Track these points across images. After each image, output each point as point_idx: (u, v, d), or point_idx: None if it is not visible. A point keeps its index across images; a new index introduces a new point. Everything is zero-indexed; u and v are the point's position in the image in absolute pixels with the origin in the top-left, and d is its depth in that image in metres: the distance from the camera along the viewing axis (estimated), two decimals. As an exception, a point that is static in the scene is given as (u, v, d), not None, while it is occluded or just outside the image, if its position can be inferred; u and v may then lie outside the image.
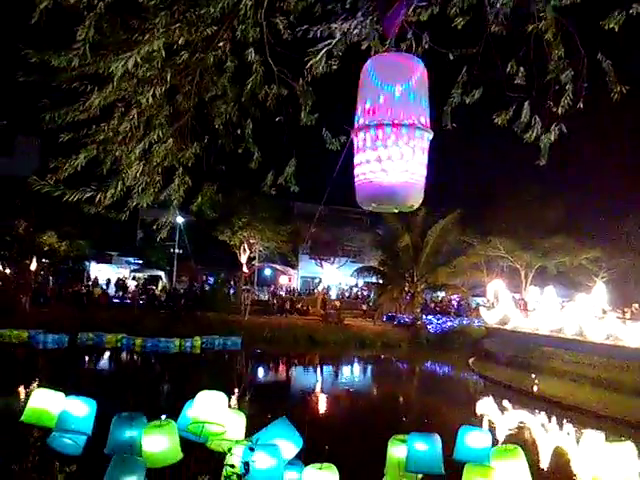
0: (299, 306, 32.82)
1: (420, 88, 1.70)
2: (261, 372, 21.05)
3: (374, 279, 31.55)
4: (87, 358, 20.68)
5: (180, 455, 3.75)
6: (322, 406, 14.82)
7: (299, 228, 34.99)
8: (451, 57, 2.95)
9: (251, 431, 3.82)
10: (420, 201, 1.76)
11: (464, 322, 28.69)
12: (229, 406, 4.02)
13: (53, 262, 31.45)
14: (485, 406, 15.37)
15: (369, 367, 23.29)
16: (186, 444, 3.78)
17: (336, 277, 38.63)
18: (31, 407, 4.17)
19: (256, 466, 2.87)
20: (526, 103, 3.37)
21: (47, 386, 4.44)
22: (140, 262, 41.13)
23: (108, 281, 35.33)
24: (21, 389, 13.46)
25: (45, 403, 4.19)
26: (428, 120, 1.73)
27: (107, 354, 21.24)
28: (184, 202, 4.42)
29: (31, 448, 3.24)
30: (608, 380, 15.97)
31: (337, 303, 31.84)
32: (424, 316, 29.50)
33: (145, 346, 21.69)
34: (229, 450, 3.02)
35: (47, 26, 2.85)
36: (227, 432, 3.70)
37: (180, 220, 36.14)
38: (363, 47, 2.65)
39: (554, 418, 13.26)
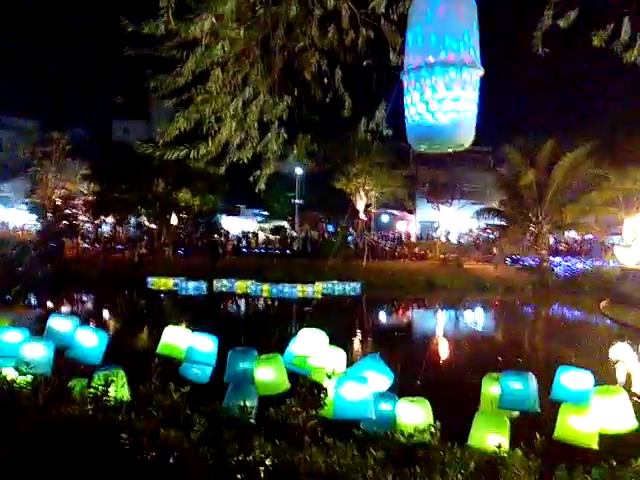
0: (416, 250, 32.68)
1: (467, 25, 1.66)
2: (375, 315, 21.59)
3: (496, 221, 30.17)
4: (221, 302, 22.74)
5: (287, 385, 4.16)
6: (439, 348, 14.94)
7: (415, 172, 34.36)
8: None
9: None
10: (471, 139, 1.76)
11: (596, 263, 26.58)
12: (332, 344, 4.34)
13: (189, 216, 34.27)
14: (618, 351, 14.42)
15: (488, 311, 22.77)
16: (293, 376, 4.14)
17: (455, 220, 37.61)
18: (164, 342, 4.85)
19: (345, 396, 3.14)
20: (626, 19, 3.04)
21: (180, 324, 5.06)
22: (265, 214, 43.43)
23: (242, 233, 37.99)
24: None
25: (175, 339, 4.83)
26: (477, 57, 1.69)
27: (238, 299, 23.15)
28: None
29: (163, 376, 3.75)
30: None
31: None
32: (551, 258, 27.83)
33: (271, 292, 23.22)
34: (309, 378, 3.30)
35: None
36: (327, 366, 4.02)
37: (299, 171, 37.31)
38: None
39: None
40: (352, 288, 24.19)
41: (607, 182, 26.23)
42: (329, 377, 3.36)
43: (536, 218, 27.53)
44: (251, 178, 4.38)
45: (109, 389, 2.77)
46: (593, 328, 18.30)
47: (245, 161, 4.41)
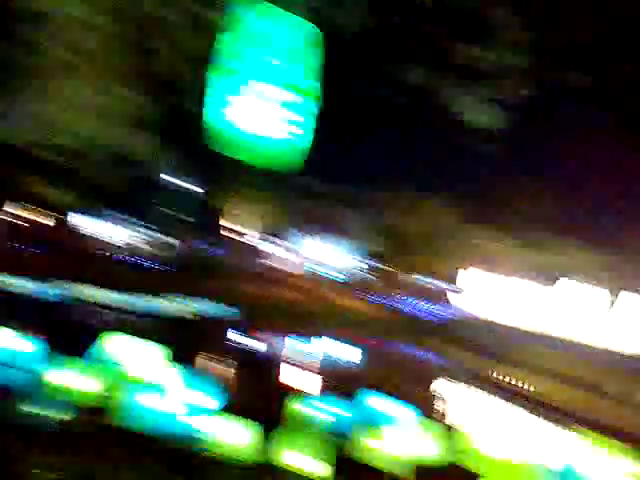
0: (294, 281, 32.61)
1: (301, 51, 1.74)
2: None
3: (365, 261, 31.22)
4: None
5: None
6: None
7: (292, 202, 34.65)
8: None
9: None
10: (295, 164, 1.82)
11: (440, 308, 28.52)
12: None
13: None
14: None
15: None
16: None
17: (332, 256, 37.99)
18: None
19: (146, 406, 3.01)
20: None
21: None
22: (135, 221, 40.75)
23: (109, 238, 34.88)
24: None
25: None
26: (314, 88, 1.77)
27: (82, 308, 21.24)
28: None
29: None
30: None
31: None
32: (404, 299, 29.33)
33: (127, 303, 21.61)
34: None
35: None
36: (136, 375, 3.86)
37: (178, 183, 35.56)
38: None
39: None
40: (226, 311, 23.39)
41: (467, 235, 28.26)
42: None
43: (391, 261, 29.01)
44: (113, 180, 4.19)
45: None
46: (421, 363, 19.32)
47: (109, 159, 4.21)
